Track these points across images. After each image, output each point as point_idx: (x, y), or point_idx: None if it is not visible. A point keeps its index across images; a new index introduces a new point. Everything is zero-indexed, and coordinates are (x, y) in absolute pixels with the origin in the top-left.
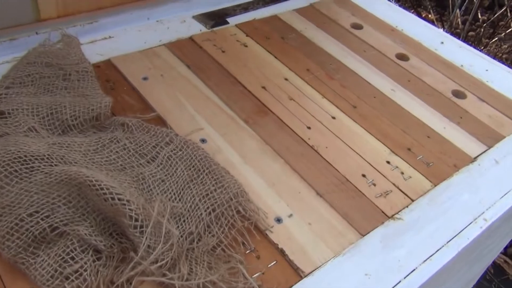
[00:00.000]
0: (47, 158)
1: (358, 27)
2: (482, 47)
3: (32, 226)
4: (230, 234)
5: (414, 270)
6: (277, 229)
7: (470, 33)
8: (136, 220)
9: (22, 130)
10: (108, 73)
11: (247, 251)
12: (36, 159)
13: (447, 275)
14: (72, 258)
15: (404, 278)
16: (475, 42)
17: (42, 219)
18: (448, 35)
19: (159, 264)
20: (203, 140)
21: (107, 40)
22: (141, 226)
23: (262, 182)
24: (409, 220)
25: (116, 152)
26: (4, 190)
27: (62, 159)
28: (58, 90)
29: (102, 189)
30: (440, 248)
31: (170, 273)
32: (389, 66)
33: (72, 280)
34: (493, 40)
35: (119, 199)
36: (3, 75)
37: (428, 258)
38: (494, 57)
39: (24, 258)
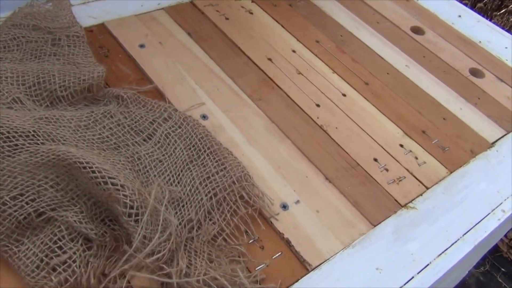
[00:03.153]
0: (33, 135)
1: None
2: (490, 20)
3: (15, 211)
4: (232, 222)
5: (428, 265)
6: (283, 217)
7: (479, 5)
8: (131, 207)
9: (6, 101)
10: (102, 39)
11: (250, 241)
12: (21, 136)
13: (461, 270)
14: (60, 248)
15: (418, 273)
16: (485, 14)
17: (26, 203)
18: (466, 8)
19: (155, 256)
20: (204, 117)
21: (101, 2)
22: (137, 214)
23: (267, 164)
24: (423, 210)
25: (110, 128)
26: None
27: (49, 136)
28: (46, 57)
29: (93, 172)
30: (456, 242)
31: (168, 267)
32: (404, 40)
33: (60, 272)
34: (501, 12)
35: (112, 184)
36: None
37: (443, 252)
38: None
39: (7, 246)
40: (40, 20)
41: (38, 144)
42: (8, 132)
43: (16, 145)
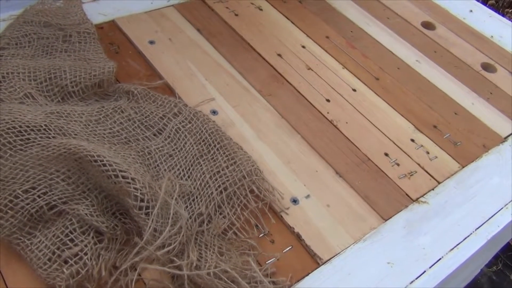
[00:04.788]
0: (44, 129)
1: None
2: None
3: (27, 204)
4: (242, 216)
5: (440, 259)
6: (293, 211)
7: (490, 2)
8: (142, 200)
9: (18, 97)
10: (112, 35)
11: (261, 235)
12: (32, 130)
13: (473, 267)
14: (71, 240)
15: (429, 268)
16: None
17: (38, 196)
18: (477, 3)
19: (166, 249)
20: (214, 112)
21: None
22: (147, 207)
23: (277, 159)
24: (435, 204)
25: (120, 123)
26: None
27: (60, 130)
28: (57, 53)
29: (104, 165)
30: (468, 236)
31: (178, 260)
32: (414, 35)
33: (71, 265)
34: None
35: (123, 177)
36: None
37: (455, 247)
38: None
39: (19, 238)
40: (51, 17)
41: (50, 138)
42: (20, 127)
43: (28, 139)
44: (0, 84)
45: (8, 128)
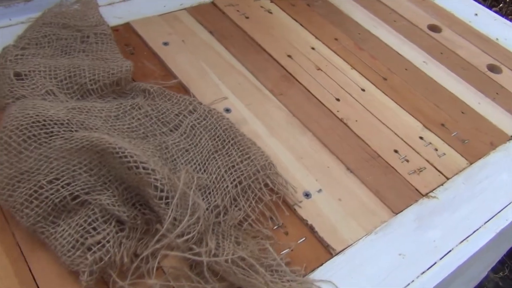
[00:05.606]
0: (67, 123)
1: None
2: None
3: (52, 194)
4: (257, 208)
5: (450, 251)
6: (306, 205)
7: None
8: (162, 190)
9: (40, 93)
10: (127, 37)
11: (275, 227)
12: (56, 123)
13: (481, 265)
14: (94, 229)
15: (440, 259)
16: None
17: (62, 187)
18: (482, 7)
19: (185, 237)
20: (227, 110)
21: (126, 3)
22: (167, 197)
23: (289, 155)
24: (444, 199)
25: (138, 119)
26: (22, 155)
27: (82, 124)
28: (75, 53)
29: (126, 157)
30: (478, 229)
31: (197, 247)
32: (421, 38)
33: (94, 252)
34: None
35: (143, 168)
36: (19, 35)
37: (465, 239)
38: None
39: (44, 227)
40: (69, 19)
41: (72, 131)
42: (44, 120)
43: (52, 132)
44: (23, 81)
45: (33, 122)
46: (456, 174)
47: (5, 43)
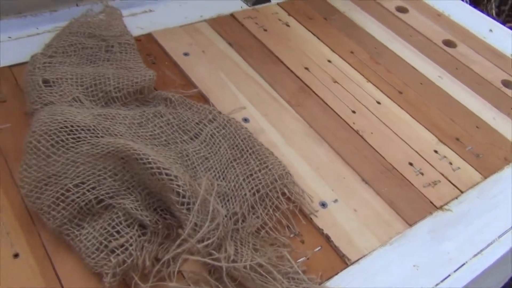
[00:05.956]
0: (93, 129)
1: (403, 10)
2: None
3: (78, 197)
4: (274, 217)
5: (464, 264)
6: (322, 214)
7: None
8: (183, 196)
9: (67, 100)
10: (149, 47)
11: (292, 235)
12: (83, 129)
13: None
14: (118, 232)
15: (454, 271)
16: None
17: (88, 191)
18: (497, 23)
19: (205, 243)
20: (245, 120)
21: (148, 14)
22: (188, 203)
23: (306, 165)
24: (458, 212)
25: (160, 126)
26: (50, 159)
27: (107, 131)
28: (100, 62)
29: (149, 163)
30: (492, 243)
31: (217, 253)
32: (436, 53)
33: (118, 254)
34: None
35: (166, 174)
36: (46, 44)
37: (479, 253)
38: None
39: (69, 229)
40: (94, 28)
41: (98, 137)
42: (72, 126)
43: (79, 137)
44: (51, 88)
45: (61, 128)
46: (471, 187)
47: (33, 51)
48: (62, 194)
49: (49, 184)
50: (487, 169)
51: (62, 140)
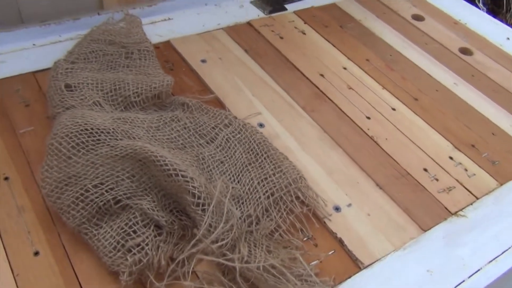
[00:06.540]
0: (113, 132)
1: (419, 18)
2: None
3: (97, 197)
4: (288, 220)
5: (479, 270)
6: (336, 218)
7: None
8: (199, 198)
9: (87, 104)
10: (167, 54)
11: (305, 238)
12: (102, 132)
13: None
14: (134, 232)
15: (469, 277)
16: None
17: (106, 191)
18: None
19: (219, 243)
20: (260, 125)
21: (166, 22)
22: (203, 205)
23: (320, 169)
24: (473, 218)
25: (177, 130)
26: (71, 160)
27: (126, 134)
28: (120, 68)
29: (166, 165)
30: (507, 250)
31: (230, 254)
32: (452, 60)
33: (134, 253)
34: None
35: (182, 176)
36: (68, 50)
37: (494, 259)
38: None
39: (88, 228)
40: (115, 36)
41: (117, 140)
42: (92, 129)
43: (99, 140)
44: (73, 92)
45: (82, 130)
46: (486, 194)
47: (56, 57)
48: (82, 194)
49: (69, 184)
50: (503, 176)
51: (83, 142)
